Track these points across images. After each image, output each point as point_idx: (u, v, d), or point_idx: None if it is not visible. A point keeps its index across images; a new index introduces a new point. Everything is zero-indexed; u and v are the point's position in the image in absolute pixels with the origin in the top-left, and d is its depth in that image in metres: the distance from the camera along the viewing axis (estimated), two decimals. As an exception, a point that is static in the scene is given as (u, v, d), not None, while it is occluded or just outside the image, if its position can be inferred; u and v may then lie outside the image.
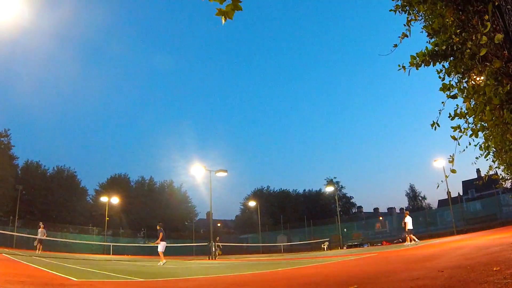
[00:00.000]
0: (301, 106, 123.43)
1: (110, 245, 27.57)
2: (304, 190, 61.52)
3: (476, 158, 4.09)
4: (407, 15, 3.31)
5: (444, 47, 2.76)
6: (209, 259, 20.04)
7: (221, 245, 25.97)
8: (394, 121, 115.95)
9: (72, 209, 39.96)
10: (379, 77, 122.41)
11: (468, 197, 46.94)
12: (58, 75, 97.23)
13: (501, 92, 2.27)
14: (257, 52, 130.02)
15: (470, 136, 2.77)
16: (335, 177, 59.64)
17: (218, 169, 22.63)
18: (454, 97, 2.74)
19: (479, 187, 42.06)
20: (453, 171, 2.75)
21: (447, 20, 2.75)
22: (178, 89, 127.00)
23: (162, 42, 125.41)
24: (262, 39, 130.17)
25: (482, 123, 2.88)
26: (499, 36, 2.11)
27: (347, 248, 28.95)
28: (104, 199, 33.45)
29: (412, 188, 56.43)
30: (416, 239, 18.12)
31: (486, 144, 3.48)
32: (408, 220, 17.39)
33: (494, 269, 3.67)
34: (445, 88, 2.75)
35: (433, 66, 2.85)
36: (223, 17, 1.66)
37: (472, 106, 2.58)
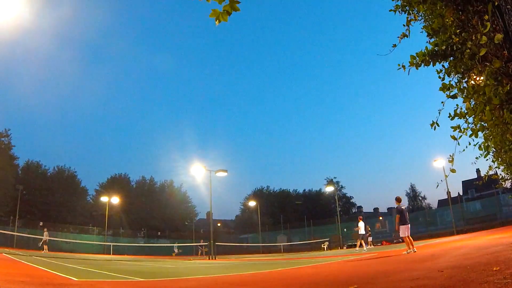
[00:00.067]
0: (301, 106, 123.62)
1: (110, 245, 27.58)
2: (304, 190, 61.65)
3: (476, 158, 4.11)
4: (407, 15, 3.31)
5: (444, 47, 2.76)
6: (209, 259, 20.05)
7: (205, 245, 28.05)
8: (394, 121, 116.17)
9: (73, 209, 40.01)
10: (379, 77, 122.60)
11: (468, 197, 46.94)
12: (58, 75, 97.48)
13: (501, 92, 2.27)
14: (257, 52, 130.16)
15: (470, 136, 2.77)
16: (335, 177, 59.85)
17: (218, 169, 22.64)
18: (454, 97, 2.74)
19: (479, 187, 42.06)
20: (453, 171, 2.75)
21: (447, 20, 2.75)
22: (178, 89, 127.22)
23: (162, 42, 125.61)
24: (262, 39, 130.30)
25: (482, 123, 2.88)
26: (499, 36, 2.12)
27: (347, 248, 28.96)
28: (104, 199, 33.49)
29: (412, 188, 56.60)
30: (365, 246, 18.28)
31: (486, 144, 3.48)
32: (361, 225, 17.84)
33: (494, 269, 3.67)
34: (445, 88, 2.76)
35: (433, 66, 2.85)
36: (216, 19, 1.62)
37: (472, 106, 2.58)
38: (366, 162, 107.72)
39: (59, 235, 29.26)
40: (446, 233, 26.32)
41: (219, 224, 56.75)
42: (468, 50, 2.49)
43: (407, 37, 3.25)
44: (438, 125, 2.81)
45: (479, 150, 3.28)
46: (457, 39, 2.65)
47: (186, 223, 50.19)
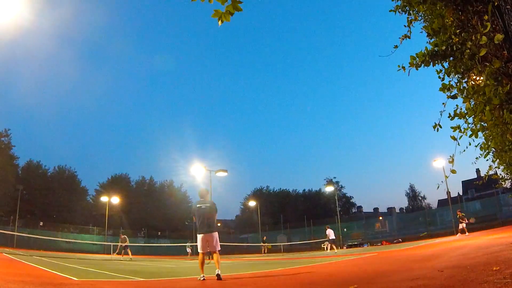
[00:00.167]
0: (301, 106, 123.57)
1: (110, 244, 27.57)
2: (304, 190, 61.56)
3: (476, 158, 4.11)
4: (407, 15, 3.31)
5: (444, 47, 2.76)
6: (209, 258, 20.03)
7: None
8: (394, 121, 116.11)
9: (73, 209, 40.02)
10: (379, 77, 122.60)
11: (468, 197, 46.94)
12: (58, 75, 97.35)
13: (500, 92, 2.27)
14: (258, 52, 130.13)
15: (470, 136, 2.77)
16: (335, 177, 59.78)
17: (218, 169, 22.62)
18: (454, 97, 2.74)
19: (479, 187, 42.06)
20: (453, 171, 2.75)
21: (447, 20, 2.76)
22: (178, 89, 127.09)
23: (162, 42, 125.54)
24: (263, 39, 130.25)
25: (482, 123, 2.89)
26: (499, 36, 2.12)
27: (347, 248, 28.96)
28: (104, 199, 33.45)
29: (412, 188, 56.59)
30: (336, 249, 20.58)
31: (486, 144, 3.49)
32: (329, 232, 20.71)
33: (494, 268, 3.68)
34: (444, 88, 2.76)
35: (433, 66, 2.85)
36: (219, 19, 1.64)
37: (472, 106, 2.58)
38: (366, 162, 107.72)
39: (59, 235, 29.28)
40: (446, 233, 26.30)
41: (219, 224, 56.70)
42: (468, 50, 2.49)
43: (409, 38, 3.25)
44: (441, 127, 2.81)
45: (479, 150, 3.28)
46: (457, 39, 2.65)
47: (186, 223, 50.16)
